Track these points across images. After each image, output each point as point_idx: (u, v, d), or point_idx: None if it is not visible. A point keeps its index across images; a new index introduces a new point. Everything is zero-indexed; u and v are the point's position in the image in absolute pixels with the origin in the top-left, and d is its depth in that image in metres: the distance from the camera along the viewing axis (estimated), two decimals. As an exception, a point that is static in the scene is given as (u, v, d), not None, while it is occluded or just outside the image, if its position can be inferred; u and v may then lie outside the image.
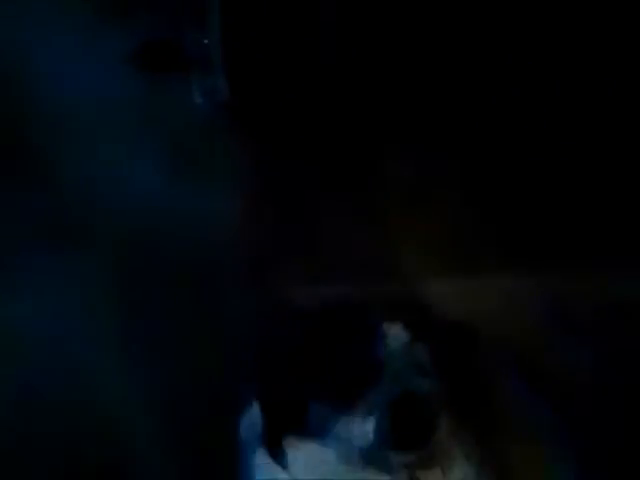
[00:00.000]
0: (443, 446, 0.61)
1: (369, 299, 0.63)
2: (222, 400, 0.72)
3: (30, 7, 0.83)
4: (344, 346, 0.63)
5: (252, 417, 0.66)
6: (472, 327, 0.63)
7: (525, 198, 0.65)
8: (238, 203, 0.71)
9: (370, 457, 0.61)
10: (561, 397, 0.61)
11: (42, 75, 0.84)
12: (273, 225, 0.70)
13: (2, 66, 0.83)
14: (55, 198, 0.84)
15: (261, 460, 0.65)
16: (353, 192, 0.68)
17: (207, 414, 0.77)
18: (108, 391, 0.77)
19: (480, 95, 0.65)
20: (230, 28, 0.66)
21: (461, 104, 0.65)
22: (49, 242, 0.82)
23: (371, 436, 0.61)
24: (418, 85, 0.65)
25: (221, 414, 0.72)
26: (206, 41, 0.68)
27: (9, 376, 0.77)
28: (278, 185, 0.71)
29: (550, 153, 0.65)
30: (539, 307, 0.62)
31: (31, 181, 0.83)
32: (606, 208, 0.62)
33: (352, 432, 0.61)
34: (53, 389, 0.78)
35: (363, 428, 0.61)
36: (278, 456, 0.62)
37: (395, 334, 0.62)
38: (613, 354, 0.56)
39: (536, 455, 0.60)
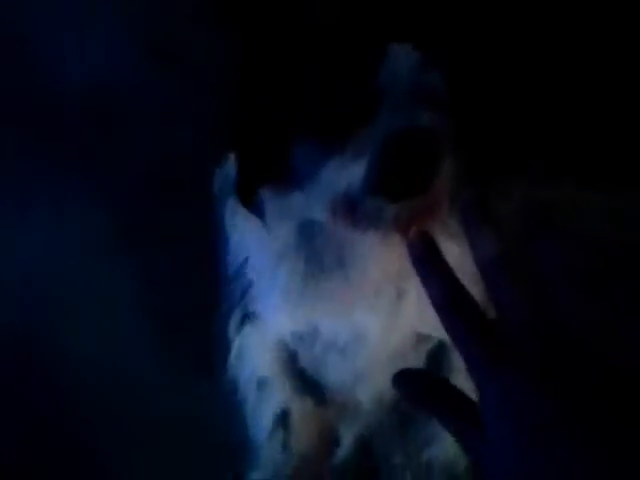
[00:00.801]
0: (444, 196, 0.48)
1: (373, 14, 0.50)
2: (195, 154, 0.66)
3: None
4: (338, 70, 0.50)
5: (226, 168, 0.57)
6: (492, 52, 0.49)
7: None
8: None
9: (358, 207, 0.50)
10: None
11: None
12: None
13: None
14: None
15: (235, 211, 0.56)
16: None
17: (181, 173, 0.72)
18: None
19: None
20: None
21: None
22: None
23: (361, 181, 0.49)
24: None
25: (195, 168, 0.66)
26: None
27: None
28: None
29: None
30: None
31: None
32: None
33: (339, 178, 0.50)
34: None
35: (352, 171, 0.49)
36: (253, 205, 0.53)
37: (402, 55, 0.49)
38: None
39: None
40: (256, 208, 0.54)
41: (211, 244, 0.65)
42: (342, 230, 0.52)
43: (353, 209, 0.51)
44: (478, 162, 0.48)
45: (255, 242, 0.58)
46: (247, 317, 0.66)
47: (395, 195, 0.49)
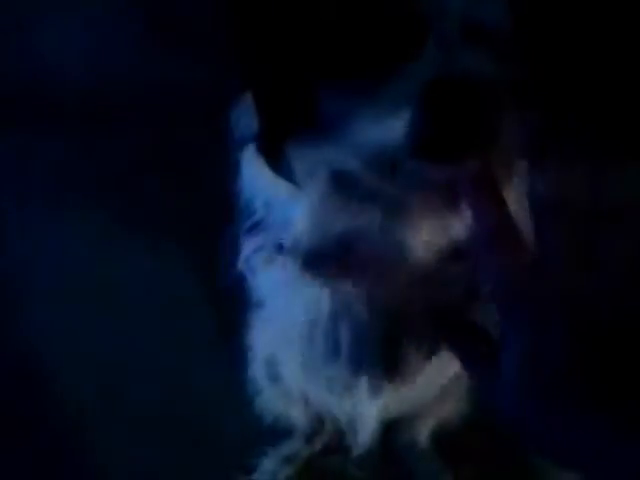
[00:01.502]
0: (500, 158, 0.39)
1: None
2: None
3: None
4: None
5: (244, 112, 0.49)
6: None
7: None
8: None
9: (396, 167, 0.42)
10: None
11: None
12: None
13: None
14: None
15: (255, 167, 0.50)
16: None
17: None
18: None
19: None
20: None
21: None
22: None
23: (399, 138, 0.40)
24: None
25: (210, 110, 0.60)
26: None
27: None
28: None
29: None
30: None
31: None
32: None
33: (373, 131, 0.41)
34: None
35: (389, 126, 0.40)
36: (275, 161, 0.46)
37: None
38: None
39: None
40: (279, 163, 0.45)
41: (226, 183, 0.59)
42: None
43: (392, 170, 0.42)
44: (542, 122, 0.39)
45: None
46: (268, 252, 0.59)
47: (440, 155, 0.40)
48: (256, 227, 0.59)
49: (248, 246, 0.60)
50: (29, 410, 0.79)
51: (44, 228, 0.86)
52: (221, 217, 0.71)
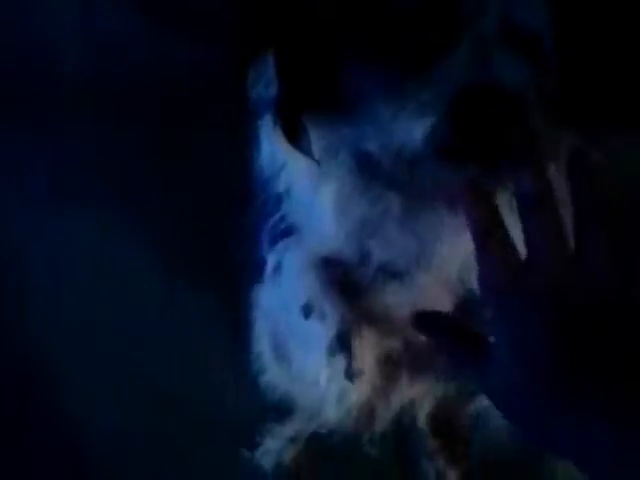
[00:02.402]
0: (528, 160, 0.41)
1: None
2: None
3: None
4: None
5: (265, 74, 0.49)
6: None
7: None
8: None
9: (419, 164, 0.43)
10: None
11: None
12: None
13: None
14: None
15: (273, 142, 0.51)
16: None
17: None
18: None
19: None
20: None
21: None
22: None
23: (421, 137, 0.41)
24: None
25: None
26: None
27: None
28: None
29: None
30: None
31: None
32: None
33: (396, 123, 0.42)
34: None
35: (412, 122, 0.41)
36: (294, 134, 0.45)
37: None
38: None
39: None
40: (298, 136, 0.46)
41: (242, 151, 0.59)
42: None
43: (410, 165, 0.44)
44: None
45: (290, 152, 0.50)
46: (285, 231, 0.59)
47: (465, 156, 0.42)
48: (275, 205, 0.59)
49: (264, 224, 0.61)
50: (26, 399, 0.79)
51: (42, 217, 0.86)
52: (232, 201, 0.72)
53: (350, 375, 0.60)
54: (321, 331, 0.60)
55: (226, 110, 0.66)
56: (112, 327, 0.79)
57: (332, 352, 0.60)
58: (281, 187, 0.56)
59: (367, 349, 0.61)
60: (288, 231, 0.60)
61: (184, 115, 0.84)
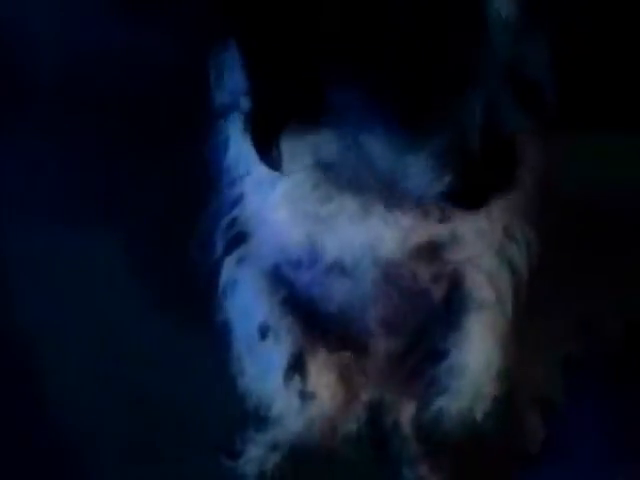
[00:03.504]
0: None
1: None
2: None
3: None
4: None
5: (230, 77, 0.48)
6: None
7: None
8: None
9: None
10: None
11: None
12: None
13: None
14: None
15: (240, 142, 0.49)
16: None
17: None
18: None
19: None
20: None
21: None
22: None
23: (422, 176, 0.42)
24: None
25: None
26: None
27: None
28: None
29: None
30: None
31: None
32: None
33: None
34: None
35: (412, 157, 0.41)
36: (267, 151, 0.44)
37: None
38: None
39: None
40: (271, 156, 0.45)
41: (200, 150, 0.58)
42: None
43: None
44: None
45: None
46: (238, 238, 0.59)
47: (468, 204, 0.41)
48: (228, 208, 0.58)
49: (217, 228, 0.60)
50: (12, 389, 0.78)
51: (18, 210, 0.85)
52: (199, 196, 0.71)
53: (304, 397, 0.61)
54: (276, 353, 0.60)
55: (189, 105, 0.66)
56: (92, 332, 0.78)
57: (288, 376, 0.60)
58: (236, 191, 0.56)
59: (324, 365, 0.62)
60: (240, 237, 0.60)
61: (146, 111, 0.83)
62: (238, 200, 0.55)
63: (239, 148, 0.52)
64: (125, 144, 0.84)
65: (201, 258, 0.60)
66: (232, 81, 0.48)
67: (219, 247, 0.59)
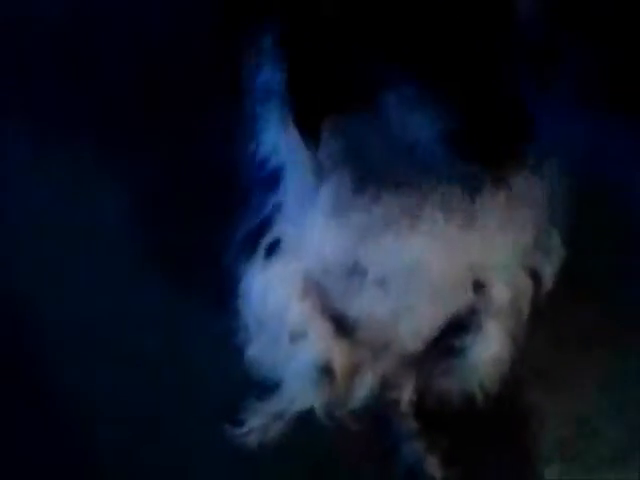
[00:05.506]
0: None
1: None
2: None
3: None
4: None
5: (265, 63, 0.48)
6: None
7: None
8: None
9: (429, 158, 0.44)
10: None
11: None
12: None
13: None
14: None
15: (278, 129, 0.49)
16: None
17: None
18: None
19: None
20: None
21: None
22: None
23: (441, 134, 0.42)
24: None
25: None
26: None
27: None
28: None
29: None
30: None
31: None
32: None
33: (415, 127, 0.42)
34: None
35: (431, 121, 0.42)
36: (309, 132, 0.44)
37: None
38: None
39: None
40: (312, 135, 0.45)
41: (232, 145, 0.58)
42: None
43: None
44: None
45: (293, 151, 0.50)
46: (273, 245, 0.59)
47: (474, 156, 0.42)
48: (266, 217, 0.57)
49: (257, 225, 0.60)
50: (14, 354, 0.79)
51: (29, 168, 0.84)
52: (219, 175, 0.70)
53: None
54: (304, 356, 0.61)
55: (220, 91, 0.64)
56: (100, 300, 0.79)
57: (315, 380, 0.61)
58: (274, 197, 0.55)
59: (341, 356, 0.63)
60: (275, 245, 0.59)
61: (179, 100, 0.82)
62: (277, 200, 0.54)
63: (275, 139, 0.52)
64: (156, 135, 0.82)
65: (236, 252, 0.60)
66: (269, 66, 0.47)
67: (253, 246, 0.59)
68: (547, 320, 0.63)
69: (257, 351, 0.69)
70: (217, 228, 0.61)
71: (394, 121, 0.44)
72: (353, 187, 0.49)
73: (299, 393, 0.66)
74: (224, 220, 0.60)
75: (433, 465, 0.71)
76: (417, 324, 0.60)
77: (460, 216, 0.49)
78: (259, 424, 0.73)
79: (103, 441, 0.75)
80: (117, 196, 0.82)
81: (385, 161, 0.47)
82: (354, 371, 0.65)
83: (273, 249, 0.57)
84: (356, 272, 0.54)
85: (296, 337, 0.60)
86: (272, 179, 0.54)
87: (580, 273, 0.63)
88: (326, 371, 0.62)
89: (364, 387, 0.66)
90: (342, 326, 0.61)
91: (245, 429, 0.73)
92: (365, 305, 0.57)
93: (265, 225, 0.57)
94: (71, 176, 0.82)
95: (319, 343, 0.60)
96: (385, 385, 0.70)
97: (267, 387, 0.72)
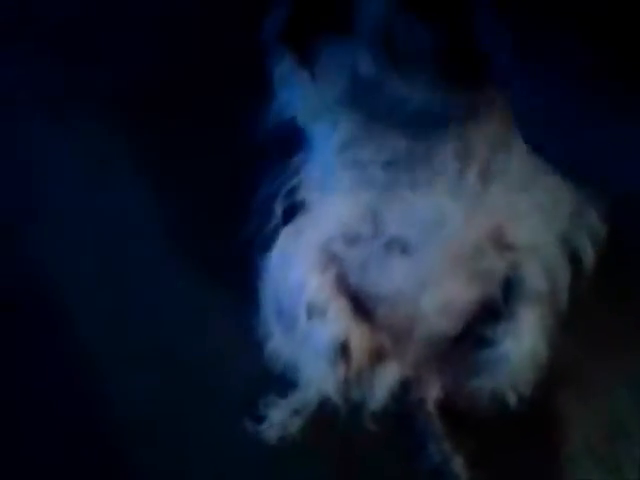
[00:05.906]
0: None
1: None
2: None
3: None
4: None
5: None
6: None
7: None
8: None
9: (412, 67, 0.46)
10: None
11: None
12: None
13: None
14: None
15: (282, 60, 0.51)
16: None
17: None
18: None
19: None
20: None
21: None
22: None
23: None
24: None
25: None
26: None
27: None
28: None
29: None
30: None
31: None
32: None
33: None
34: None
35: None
36: (302, 53, 0.47)
37: None
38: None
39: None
40: (307, 56, 0.47)
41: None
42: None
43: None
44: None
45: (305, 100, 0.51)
46: (296, 207, 0.57)
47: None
48: (288, 175, 0.56)
49: (276, 194, 0.59)
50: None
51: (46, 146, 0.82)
52: (243, 165, 0.69)
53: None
54: (320, 334, 0.59)
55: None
56: (120, 293, 0.78)
57: (330, 360, 0.60)
58: (297, 157, 0.54)
59: (362, 341, 0.61)
60: (299, 206, 0.58)
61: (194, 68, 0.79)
62: (298, 166, 0.54)
63: (289, 90, 0.51)
64: (173, 104, 0.80)
65: (257, 225, 0.58)
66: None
67: (277, 215, 0.57)
68: (585, 314, 0.61)
69: (276, 341, 0.68)
70: (244, 221, 0.60)
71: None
72: (362, 130, 0.49)
73: (315, 375, 0.64)
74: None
75: (459, 465, 0.69)
76: (441, 298, 0.57)
77: (476, 167, 0.47)
78: (280, 419, 0.72)
79: (123, 436, 0.74)
80: (141, 185, 0.80)
81: (381, 90, 0.47)
82: (374, 359, 0.63)
83: (293, 215, 0.56)
84: (376, 237, 0.53)
85: (314, 313, 0.58)
86: (294, 142, 0.54)
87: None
88: (343, 352, 0.59)
89: (386, 380, 0.64)
90: (361, 305, 0.59)
91: (266, 425, 0.72)
92: (386, 277, 0.56)
93: (286, 191, 0.56)
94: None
95: (337, 322, 0.59)
96: (409, 382, 0.68)
97: (287, 382, 0.71)
